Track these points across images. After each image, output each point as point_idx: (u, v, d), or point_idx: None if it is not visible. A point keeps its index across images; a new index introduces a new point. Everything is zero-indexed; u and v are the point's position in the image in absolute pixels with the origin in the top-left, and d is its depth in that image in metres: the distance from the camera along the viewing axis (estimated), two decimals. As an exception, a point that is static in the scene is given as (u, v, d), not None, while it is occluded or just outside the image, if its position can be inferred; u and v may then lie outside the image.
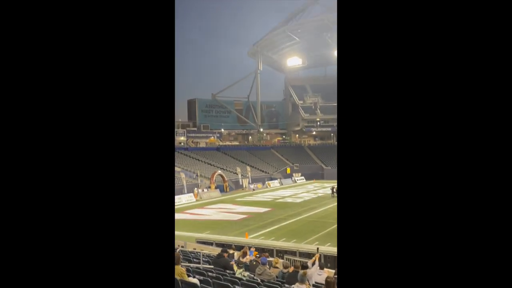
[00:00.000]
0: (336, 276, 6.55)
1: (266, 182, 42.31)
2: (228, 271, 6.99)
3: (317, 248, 8.93)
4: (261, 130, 63.50)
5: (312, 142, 64.23)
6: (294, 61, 62.92)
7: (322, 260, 9.92)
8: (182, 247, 11.90)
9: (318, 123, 61.07)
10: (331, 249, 13.37)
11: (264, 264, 7.02)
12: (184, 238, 14.68)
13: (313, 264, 7.35)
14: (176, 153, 42.14)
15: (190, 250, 11.68)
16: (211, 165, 43.77)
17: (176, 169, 36.23)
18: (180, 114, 60.53)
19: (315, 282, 6.53)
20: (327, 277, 5.87)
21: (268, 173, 47.40)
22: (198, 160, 44.73)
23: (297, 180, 47.65)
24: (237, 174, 41.12)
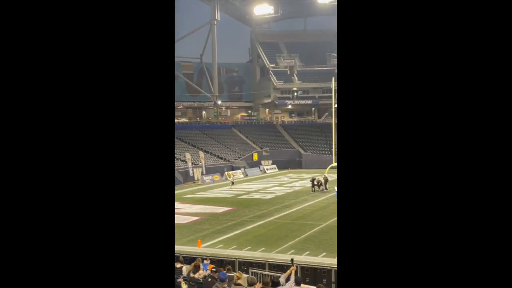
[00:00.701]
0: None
1: (226, 173, 42.52)
2: (174, 291, 7.02)
3: (292, 260, 9.15)
4: (219, 102, 63.19)
5: (287, 119, 64.89)
6: (263, 10, 62.21)
7: (299, 274, 10.19)
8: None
9: (295, 94, 61.58)
10: (311, 259, 13.76)
11: (222, 281, 7.10)
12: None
13: (287, 279, 7.53)
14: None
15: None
16: (150, 149, 43.16)
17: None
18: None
19: (290, 302, 6.72)
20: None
21: (229, 160, 47.60)
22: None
23: (267, 169, 48.23)
24: (186, 162, 40.96)
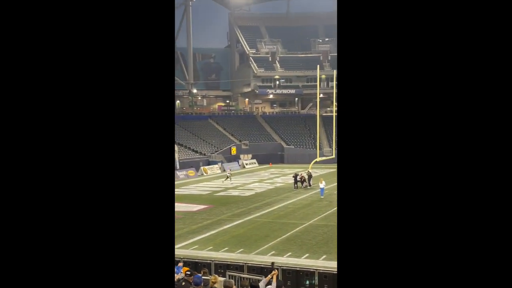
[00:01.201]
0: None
1: (202, 168, 42.45)
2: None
3: (272, 263, 9.20)
4: (194, 91, 62.82)
5: (268, 110, 64.96)
6: (243, -10, 62.14)
7: (280, 277, 10.25)
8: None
9: (278, 82, 61.64)
10: (293, 260, 13.86)
11: (198, 284, 7.10)
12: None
13: (267, 284, 7.58)
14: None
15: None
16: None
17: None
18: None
19: (270, 307, 6.77)
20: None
21: (205, 154, 47.48)
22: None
23: (247, 164, 48.28)
24: (158, 156, 40.63)
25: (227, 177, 34.80)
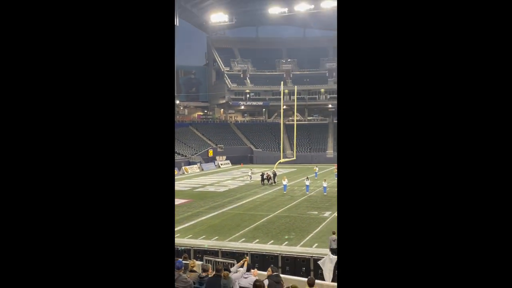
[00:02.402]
0: (268, 278, 6.83)
1: (183, 167, 42.04)
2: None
3: (246, 254, 9.19)
4: (177, 102, 62.30)
5: (240, 118, 64.95)
6: (219, 18, 61.99)
7: (249, 261, 10.24)
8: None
9: (248, 95, 61.70)
10: (260, 246, 13.87)
11: (178, 268, 7.02)
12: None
13: (240, 267, 7.58)
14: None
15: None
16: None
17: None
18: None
19: (240, 287, 6.74)
20: (256, 280, 6.09)
21: (186, 156, 47.03)
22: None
23: (221, 164, 48.10)
24: (145, 157, 40.06)
25: (250, 177, 33.43)
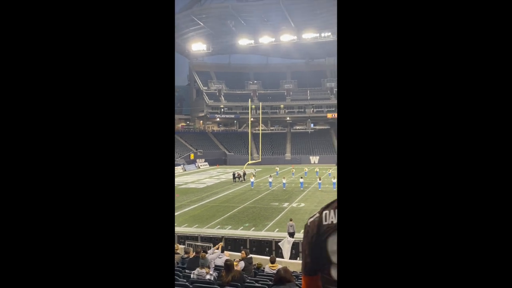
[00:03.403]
0: (242, 259, 6.81)
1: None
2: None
3: (222, 238, 9.10)
4: (164, 115, 61.15)
5: (216, 128, 64.51)
6: (198, 47, 61.69)
7: (223, 243, 10.17)
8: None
9: (222, 109, 61.37)
10: (232, 231, 13.80)
11: (164, 251, 6.89)
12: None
13: (216, 250, 7.52)
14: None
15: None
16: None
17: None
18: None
19: (215, 265, 6.69)
20: (227, 260, 6.06)
21: (171, 159, 46.18)
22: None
23: (201, 165, 47.58)
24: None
25: (253, 175, 31.05)
